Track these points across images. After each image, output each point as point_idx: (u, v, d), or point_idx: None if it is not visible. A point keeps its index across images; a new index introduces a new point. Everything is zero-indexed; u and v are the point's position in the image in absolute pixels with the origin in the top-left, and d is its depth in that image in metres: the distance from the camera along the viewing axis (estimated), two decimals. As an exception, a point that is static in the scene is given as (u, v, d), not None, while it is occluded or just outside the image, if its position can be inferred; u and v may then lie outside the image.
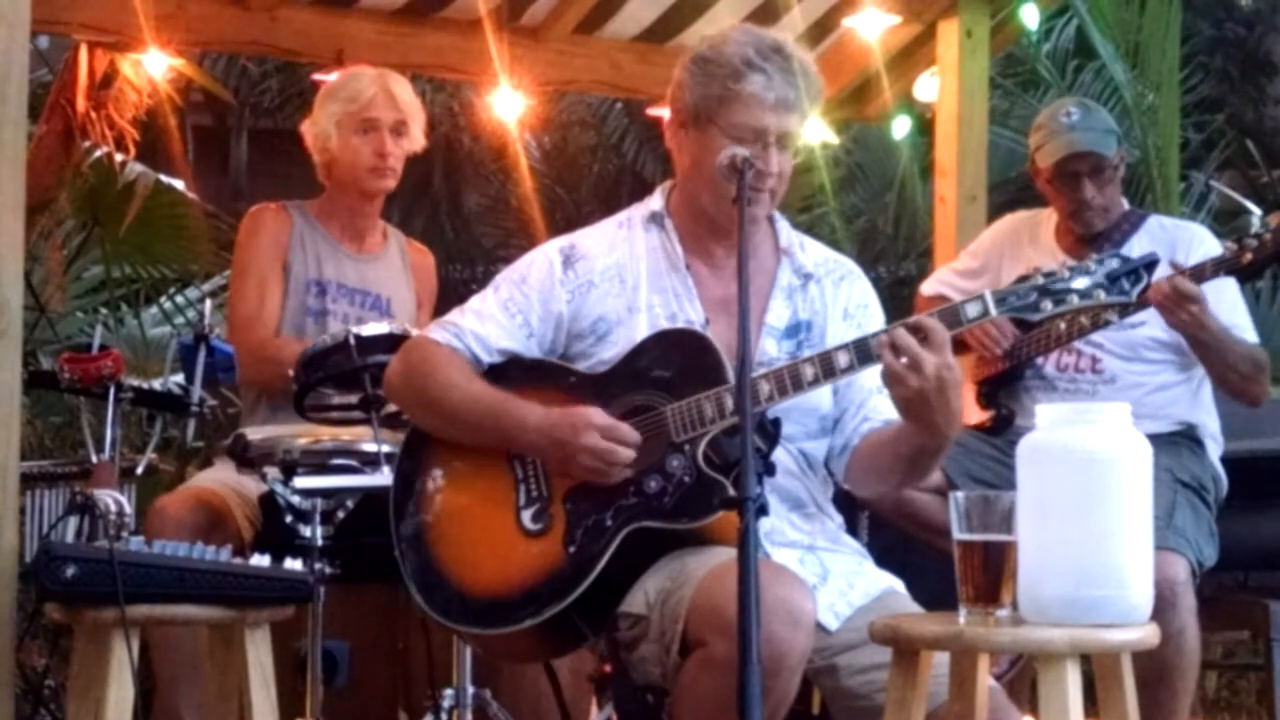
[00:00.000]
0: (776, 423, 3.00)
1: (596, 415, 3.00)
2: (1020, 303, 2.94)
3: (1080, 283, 2.92)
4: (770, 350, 3.14)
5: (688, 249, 3.19)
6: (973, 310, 2.93)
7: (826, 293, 3.23)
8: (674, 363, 3.06)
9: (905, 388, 2.85)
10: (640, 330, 3.12)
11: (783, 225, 3.28)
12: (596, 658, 3.10)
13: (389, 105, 4.26)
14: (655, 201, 3.26)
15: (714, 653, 2.72)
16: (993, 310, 2.93)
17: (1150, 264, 2.94)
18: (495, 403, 3.08)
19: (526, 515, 3.06)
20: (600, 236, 3.24)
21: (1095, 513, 2.55)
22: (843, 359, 2.95)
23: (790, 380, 2.96)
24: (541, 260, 3.21)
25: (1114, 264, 2.92)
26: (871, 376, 3.03)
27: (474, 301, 3.22)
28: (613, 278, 3.17)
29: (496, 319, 3.16)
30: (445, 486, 3.15)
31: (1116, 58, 8.50)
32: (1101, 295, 2.92)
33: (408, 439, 3.24)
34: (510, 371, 3.15)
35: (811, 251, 3.28)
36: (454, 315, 3.22)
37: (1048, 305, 2.92)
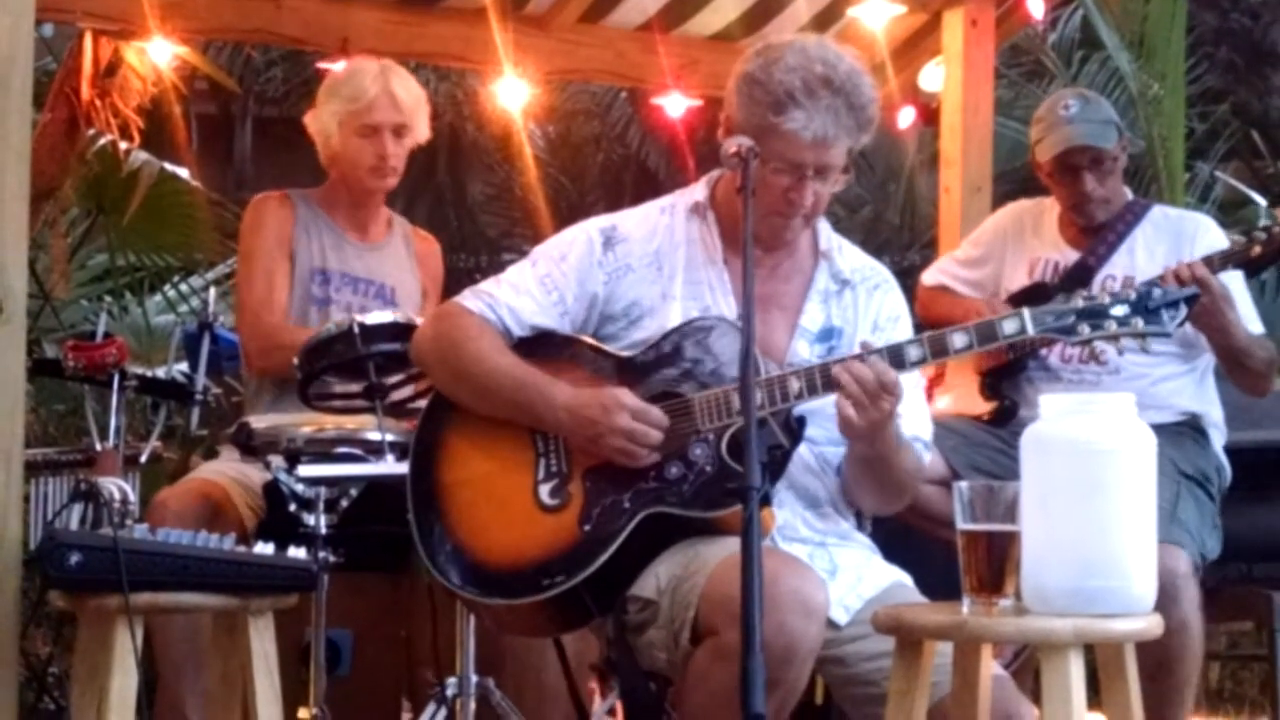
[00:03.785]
0: (801, 420, 3.02)
1: (627, 396, 3.00)
2: (1057, 324, 2.98)
3: (1119, 310, 2.97)
4: (802, 352, 3.15)
5: (727, 243, 3.18)
6: (1010, 327, 2.97)
7: (860, 301, 3.23)
8: (704, 352, 3.07)
9: (858, 414, 2.91)
10: (672, 319, 3.12)
11: (824, 227, 3.27)
12: (603, 641, 3.10)
13: (390, 108, 4.25)
14: (700, 191, 3.25)
15: (726, 642, 2.71)
16: (1030, 329, 2.97)
17: (1191, 298, 2.99)
18: (524, 377, 3.08)
19: (544, 490, 3.06)
20: (643, 220, 3.24)
21: (1099, 503, 2.55)
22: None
23: (820, 379, 2.97)
24: (583, 239, 3.20)
25: (1156, 295, 2.97)
26: None
27: (511, 273, 3.22)
28: (650, 264, 3.17)
29: (532, 294, 3.16)
30: (464, 454, 3.15)
31: (1122, 48, 8.50)
32: (1139, 324, 2.97)
33: (431, 403, 3.24)
34: (539, 346, 3.15)
35: (849, 256, 3.28)
36: (489, 285, 3.21)
37: (1085, 329, 2.97)
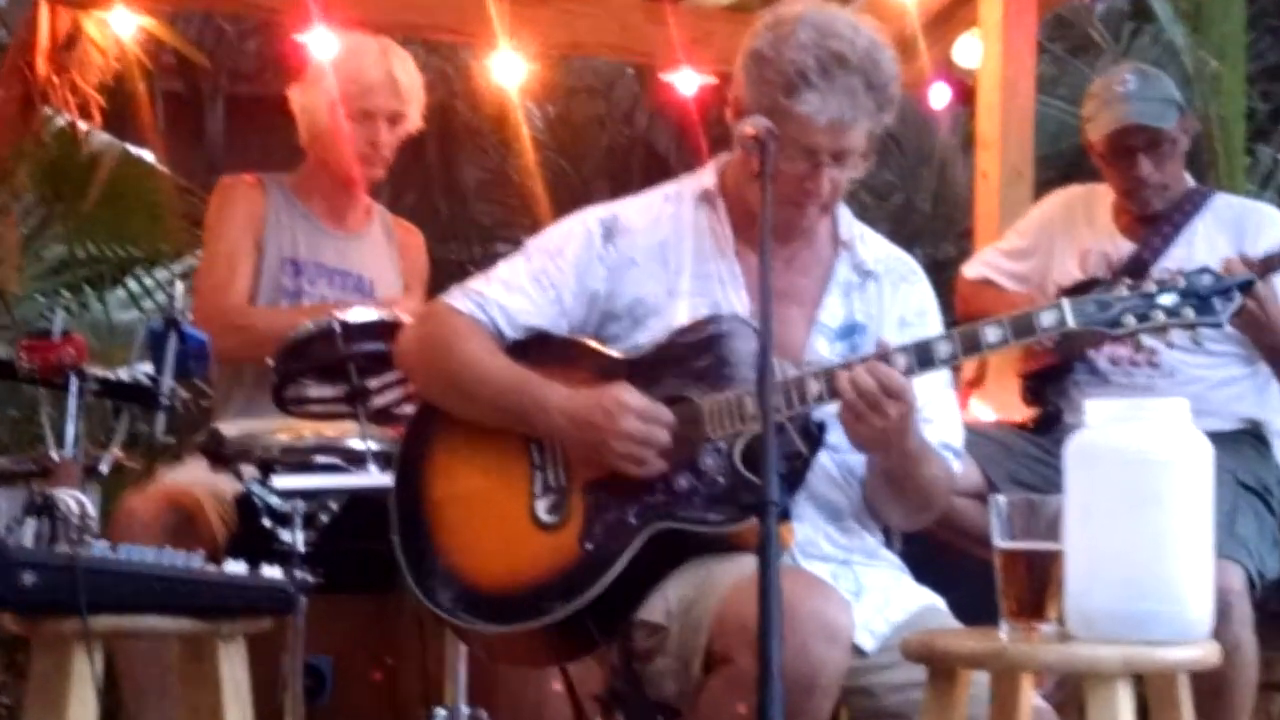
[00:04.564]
0: (822, 426, 3.02)
1: (631, 396, 3.00)
2: (1101, 316, 2.97)
3: (1167, 299, 2.96)
4: (821, 350, 3.15)
5: (739, 234, 3.18)
6: (1048, 319, 2.96)
7: (885, 295, 3.24)
8: (715, 352, 3.07)
9: (860, 423, 2.92)
10: (679, 317, 3.13)
11: (844, 214, 3.27)
12: (607, 670, 3.10)
13: (390, 94, 4.28)
14: (708, 177, 3.26)
15: (742, 670, 2.71)
16: (1070, 321, 2.96)
17: (1246, 284, 2.97)
18: (517, 381, 3.08)
19: (541, 505, 3.07)
20: (645, 210, 3.24)
21: (1150, 519, 2.55)
22: (900, 361, 2.97)
23: None
24: (580, 231, 3.21)
25: (1206, 281, 2.96)
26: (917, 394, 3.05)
27: (503, 269, 3.22)
28: (654, 257, 3.17)
29: (526, 291, 3.17)
30: (454, 466, 3.16)
31: (1176, 20, 8.49)
32: (1190, 315, 2.95)
33: (418, 412, 3.26)
34: (534, 348, 3.16)
35: (873, 245, 3.28)
36: (479, 282, 3.22)
37: (1130, 320, 2.96)
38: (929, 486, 3.12)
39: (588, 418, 3.00)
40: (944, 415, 3.19)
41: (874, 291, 3.23)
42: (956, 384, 4.52)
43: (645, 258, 3.17)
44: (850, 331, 3.19)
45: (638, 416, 2.98)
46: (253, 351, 3.89)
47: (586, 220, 3.22)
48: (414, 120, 4.37)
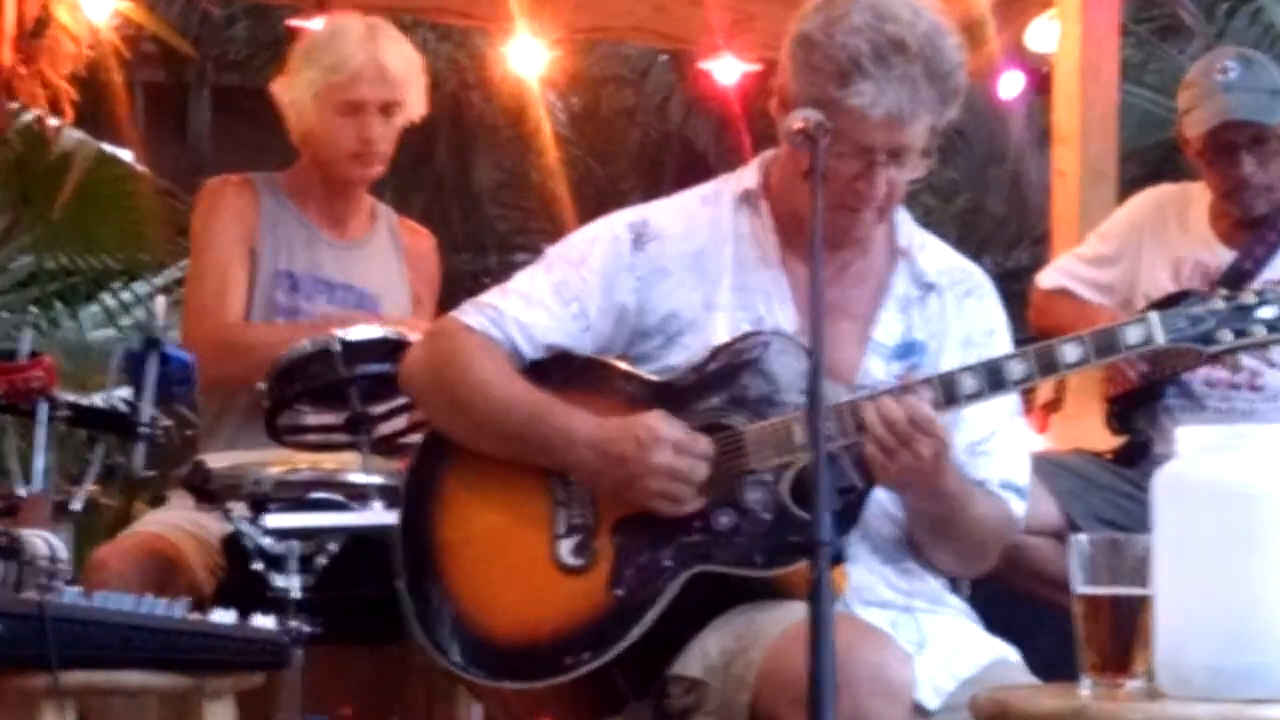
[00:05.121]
0: None
1: (665, 425, 3.00)
2: (1194, 330, 2.97)
3: (1269, 312, 2.95)
4: (876, 372, 3.15)
5: (784, 240, 3.19)
6: (1134, 335, 2.97)
7: (948, 310, 3.23)
8: (759, 373, 3.07)
9: (888, 460, 2.93)
10: (719, 333, 3.13)
11: (903, 220, 3.27)
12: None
13: (377, 81, 4.25)
14: (749, 176, 3.26)
15: (791, 732, 2.72)
16: (1159, 337, 2.96)
17: None
18: (537, 409, 3.09)
19: (565, 547, 3.07)
20: (679, 213, 3.25)
21: (1251, 560, 2.54)
22: (969, 383, 2.98)
23: None
24: (607, 237, 3.22)
25: None
26: (970, 428, 3.05)
27: (521, 281, 3.23)
28: (690, 266, 3.18)
29: (547, 305, 3.17)
30: (467, 505, 3.17)
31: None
32: None
33: (425, 442, 3.26)
34: (556, 370, 3.16)
35: (935, 255, 3.28)
36: (494, 296, 3.22)
37: (1226, 336, 2.95)
38: (979, 533, 3.12)
39: (617, 451, 3.00)
40: (1006, 448, 3.18)
41: (936, 306, 3.23)
42: (1031, 408, 4.52)
43: (679, 267, 3.17)
44: (909, 350, 3.19)
45: (673, 449, 2.98)
46: (253, 375, 3.89)
47: (614, 225, 3.23)
48: (414, 108, 4.36)
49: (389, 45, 4.30)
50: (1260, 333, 2.95)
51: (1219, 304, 2.96)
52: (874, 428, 2.92)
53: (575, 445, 3.05)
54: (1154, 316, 2.97)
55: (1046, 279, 4.74)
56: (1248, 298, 2.96)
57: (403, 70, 4.30)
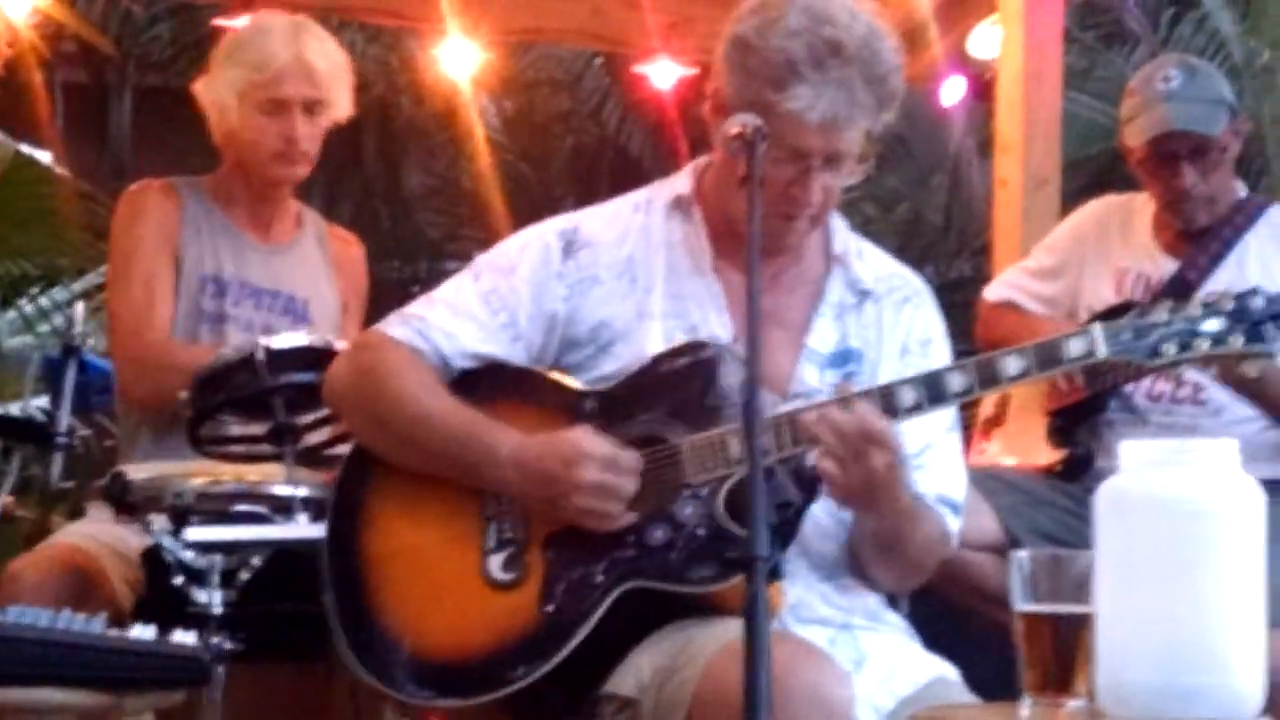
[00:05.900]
0: (816, 471, 3.01)
1: (591, 441, 2.99)
2: (1137, 344, 2.98)
3: (1213, 325, 2.96)
4: (810, 380, 3.15)
5: (717, 247, 3.19)
6: (1076, 348, 2.97)
7: (885, 318, 3.24)
8: (694, 384, 3.07)
9: (842, 472, 2.92)
10: (651, 342, 3.13)
11: (838, 226, 3.28)
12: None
13: (302, 80, 4.25)
14: (682, 182, 3.26)
15: (726, 753, 2.72)
16: (1102, 350, 2.97)
17: None
18: (461, 426, 3.08)
19: (495, 562, 3.06)
20: (611, 221, 3.25)
21: (1194, 578, 2.55)
22: (909, 395, 2.98)
23: None
24: (536, 244, 3.21)
25: (1258, 303, 2.96)
26: (904, 440, 3.04)
27: (447, 290, 3.22)
28: (622, 274, 3.18)
29: (474, 315, 3.17)
30: (396, 518, 3.16)
31: (1223, 6, 8.54)
32: (1239, 343, 2.96)
33: (351, 455, 3.25)
34: (486, 381, 3.16)
35: (872, 262, 3.29)
36: (419, 306, 3.22)
37: (1170, 349, 2.96)
38: (918, 550, 3.13)
39: (542, 468, 3.00)
40: (942, 463, 3.19)
41: (872, 314, 3.23)
42: (973, 422, 4.53)
43: (610, 275, 3.17)
44: (844, 358, 3.19)
45: (600, 464, 2.98)
46: (178, 400, 3.87)
47: (544, 233, 3.23)
48: (340, 108, 4.35)
49: (314, 43, 4.30)
50: (1204, 347, 2.96)
51: (1164, 316, 2.97)
52: (825, 437, 2.92)
53: (499, 464, 3.04)
54: (1097, 329, 2.98)
55: (992, 292, 4.76)
56: (1193, 310, 2.96)
57: (328, 69, 4.29)
